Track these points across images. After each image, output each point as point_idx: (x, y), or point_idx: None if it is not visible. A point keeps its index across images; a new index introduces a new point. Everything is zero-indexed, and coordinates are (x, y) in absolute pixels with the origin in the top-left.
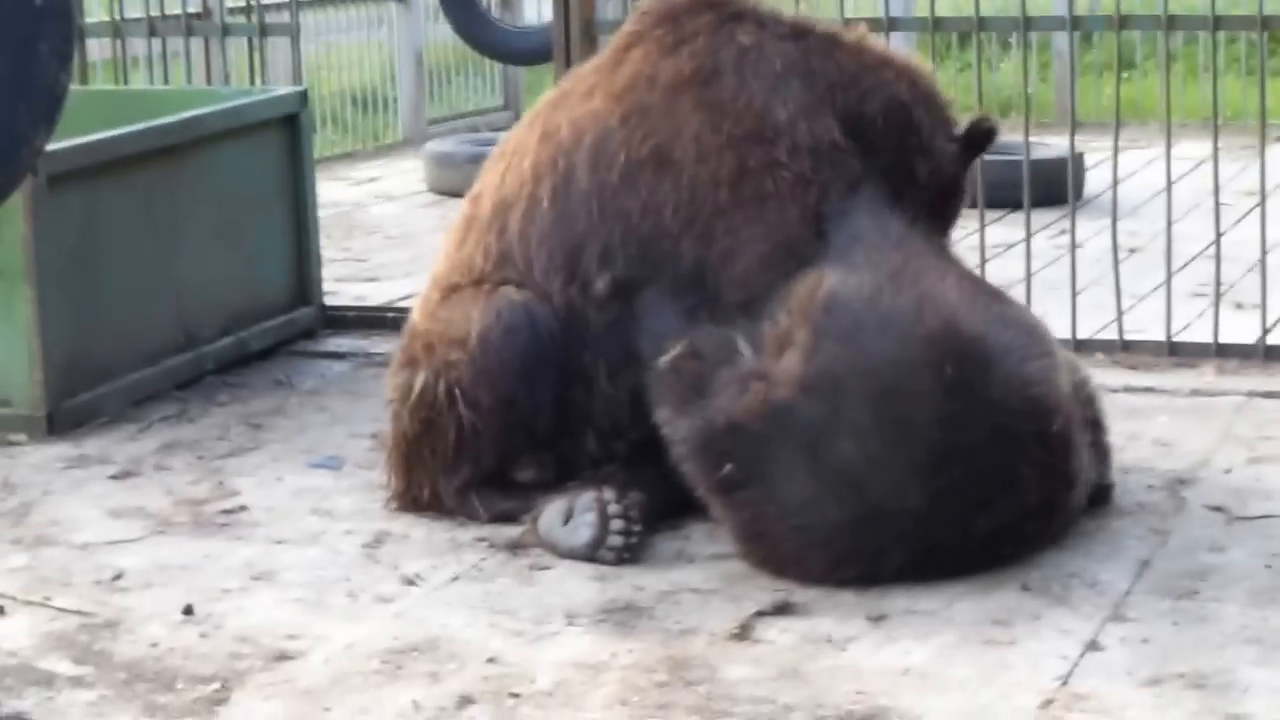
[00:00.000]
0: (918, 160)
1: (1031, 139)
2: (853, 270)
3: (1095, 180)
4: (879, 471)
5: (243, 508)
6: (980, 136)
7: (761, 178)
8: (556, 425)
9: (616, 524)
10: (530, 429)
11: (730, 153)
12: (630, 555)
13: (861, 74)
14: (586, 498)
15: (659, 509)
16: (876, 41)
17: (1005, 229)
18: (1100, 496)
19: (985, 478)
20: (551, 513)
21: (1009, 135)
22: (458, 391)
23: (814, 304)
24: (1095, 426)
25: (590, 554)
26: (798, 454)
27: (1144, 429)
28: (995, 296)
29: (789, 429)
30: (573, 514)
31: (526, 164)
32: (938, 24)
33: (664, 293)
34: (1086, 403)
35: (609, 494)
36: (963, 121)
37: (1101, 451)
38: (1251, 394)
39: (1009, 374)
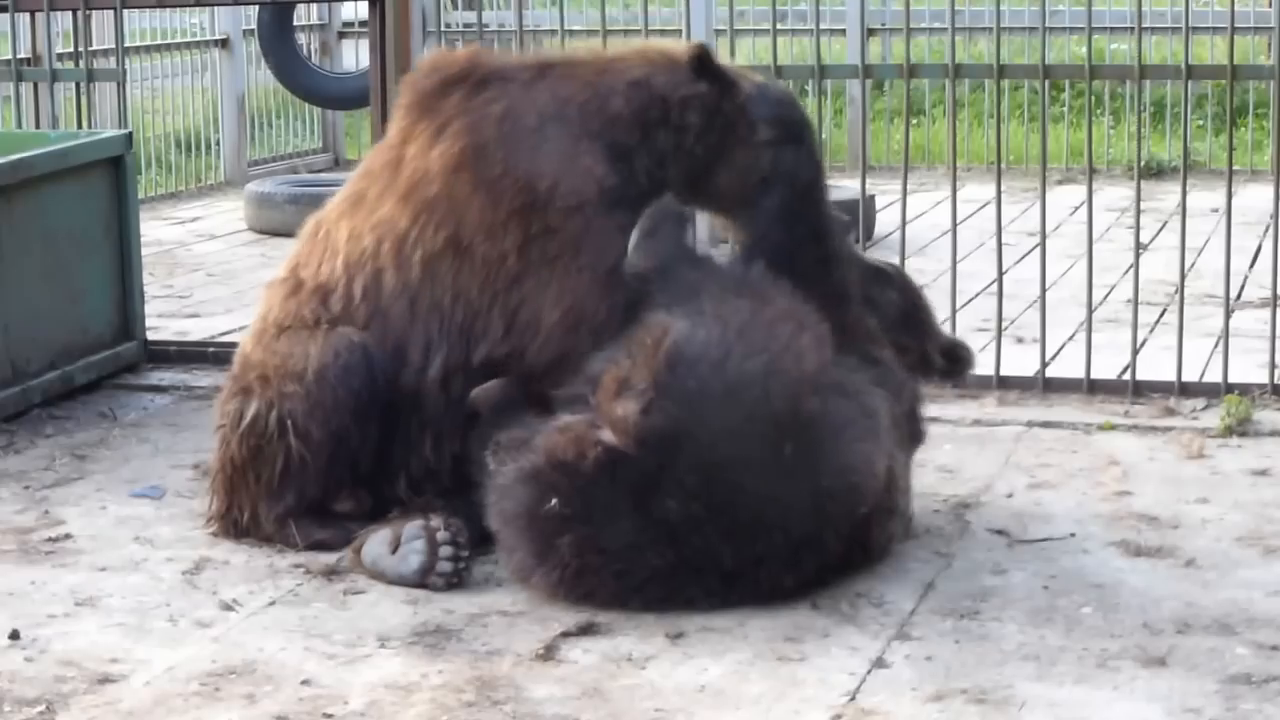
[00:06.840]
0: (662, 134)
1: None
2: (698, 322)
3: (885, 221)
4: (697, 532)
5: (68, 536)
6: (697, 62)
7: (544, 243)
8: (377, 465)
9: (445, 550)
10: (355, 463)
11: (514, 224)
12: (459, 581)
13: (598, 77)
14: (414, 526)
15: (476, 537)
16: (626, 45)
17: None
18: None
19: (795, 545)
20: (376, 541)
21: None
22: (290, 423)
23: (658, 356)
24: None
25: (420, 580)
26: (624, 501)
27: (929, 457)
28: (838, 353)
29: (618, 476)
30: (400, 542)
31: (339, 260)
32: None
33: (491, 370)
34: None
35: (436, 522)
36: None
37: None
38: (1031, 424)
39: (837, 458)
